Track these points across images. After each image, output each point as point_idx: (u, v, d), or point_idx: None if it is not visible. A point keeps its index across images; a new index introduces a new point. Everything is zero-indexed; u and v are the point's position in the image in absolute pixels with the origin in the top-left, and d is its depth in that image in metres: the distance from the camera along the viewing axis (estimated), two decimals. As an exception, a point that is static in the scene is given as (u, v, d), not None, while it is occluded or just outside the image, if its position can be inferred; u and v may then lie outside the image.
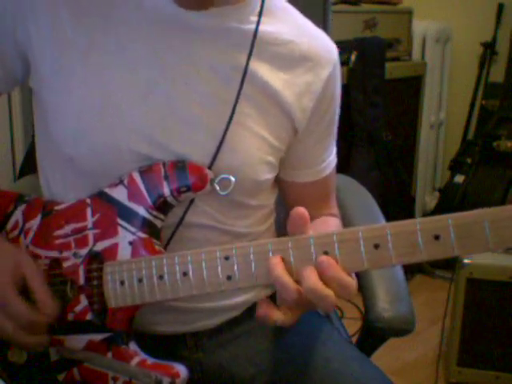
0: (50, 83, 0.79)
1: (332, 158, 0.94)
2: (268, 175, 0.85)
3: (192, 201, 0.80)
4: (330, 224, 0.91)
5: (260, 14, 0.81)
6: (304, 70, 0.84)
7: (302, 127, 0.85)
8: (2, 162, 1.92)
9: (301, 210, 0.66)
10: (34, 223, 0.82)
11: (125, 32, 0.78)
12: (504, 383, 1.84)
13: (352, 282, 0.65)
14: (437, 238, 0.63)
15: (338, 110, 0.91)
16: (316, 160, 0.91)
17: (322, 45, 0.87)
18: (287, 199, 0.95)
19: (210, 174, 0.77)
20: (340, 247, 0.66)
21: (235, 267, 0.70)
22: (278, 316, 0.68)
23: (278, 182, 0.93)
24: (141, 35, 0.78)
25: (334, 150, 0.95)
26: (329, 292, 0.64)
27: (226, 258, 0.70)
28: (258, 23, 0.81)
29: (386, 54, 2.45)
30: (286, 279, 0.65)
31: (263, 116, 0.82)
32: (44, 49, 0.78)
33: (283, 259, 0.67)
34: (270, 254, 0.68)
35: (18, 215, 0.83)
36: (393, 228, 0.64)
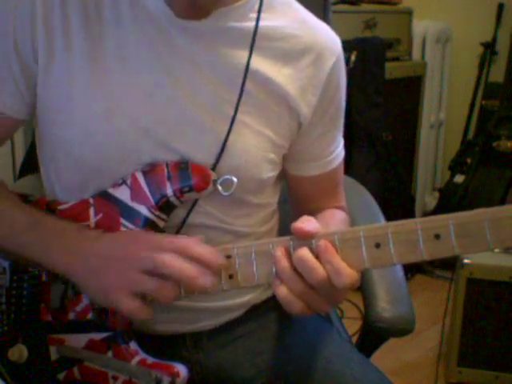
0: (55, 87, 0.79)
1: (339, 150, 0.93)
2: (271, 173, 0.85)
3: (195, 202, 0.80)
4: (337, 218, 0.91)
5: (259, 11, 0.81)
6: (307, 63, 0.84)
7: (307, 120, 0.85)
8: (2, 162, 1.92)
9: (298, 226, 0.67)
10: None
11: (129, 35, 0.78)
12: (504, 383, 1.84)
13: (347, 269, 0.65)
14: (437, 237, 0.63)
15: (343, 103, 0.90)
16: (323, 152, 0.90)
17: (324, 36, 0.86)
18: (295, 194, 0.95)
19: (212, 174, 0.78)
20: (341, 246, 0.66)
21: (237, 266, 0.70)
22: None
23: (285, 178, 0.93)
24: (144, 38, 0.78)
25: (342, 142, 0.94)
26: (317, 265, 0.65)
27: (228, 257, 0.70)
28: (258, 20, 0.81)
29: (386, 54, 2.45)
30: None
31: (265, 113, 0.82)
32: (54, 53, 0.78)
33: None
34: (272, 253, 0.68)
35: None
36: (394, 227, 0.65)
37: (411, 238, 0.64)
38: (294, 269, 0.66)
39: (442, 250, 0.63)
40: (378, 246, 0.65)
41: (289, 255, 0.67)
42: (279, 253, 0.67)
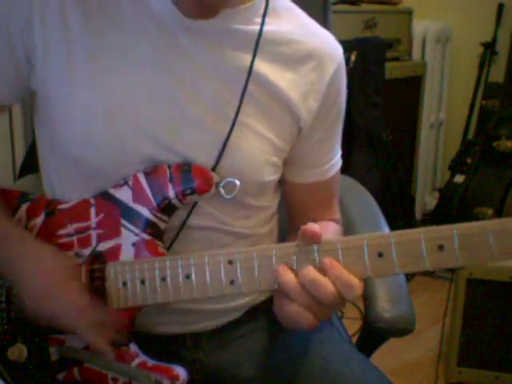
0: (55, 86, 0.79)
1: (337, 160, 0.93)
2: (272, 176, 0.85)
3: (195, 203, 0.80)
4: (330, 230, 0.91)
5: (264, 15, 0.81)
6: (309, 69, 0.84)
7: (307, 126, 0.85)
8: (2, 162, 1.92)
9: (310, 229, 0.66)
10: (38, 222, 0.82)
11: (131, 33, 0.78)
12: (504, 383, 1.84)
13: (356, 281, 0.64)
14: (441, 248, 0.62)
15: (342, 110, 0.90)
16: (321, 159, 0.90)
17: (326, 43, 0.87)
18: (290, 203, 0.95)
19: (215, 177, 0.77)
20: (344, 255, 0.65)
21: (238, 272, 0.69)
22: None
23: (281, 183, 0.92)
24: (147, 37, 0.78)
25: (339, 152, 0.94)
26: (327, 281, 0.64)
27: (230, 262, 0.70)
28: (262, 24, 0.81)
29: (386, 54, 2.45)
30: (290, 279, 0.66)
31: (268, 116, 0.82)
32: (50, 52, 0.78)
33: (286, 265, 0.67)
34: (274, 259, 0.68)
35: (21, 213, 0.83)
36: (397, 237, 0.64)
37: (414, 249, 0.63)
38: (300, 283, 0.66)
39: (446, 261, 0.63)
40: (380, 255, 0.64)
41: (291, 268, 0.67)
42: (281, 268, 0.67)
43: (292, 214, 0.95)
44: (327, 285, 0.64)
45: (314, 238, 0.66)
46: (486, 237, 0.61)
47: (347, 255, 0.65)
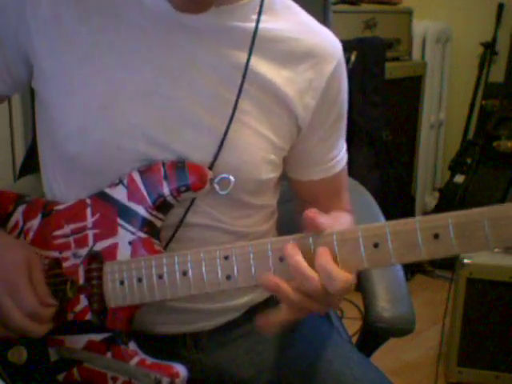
0: (52, 84, 0.79)
1: (342, 156, 0.93)
2: (270, 174, 0.85)
3: (193, 201, 0.80)
4: (343, 220, 0.90)
5: (260, 12, 0.81)
6: (306, 66, 0.83)
7: (306, 125, 0.85)
8: (2, 162, 1.92)
9: (311, 214, 0.67)
10: (34, 223, 0.82)
11: (127, 32, 0.78)
12: (504, 383, 1.84)
13: (341, 275, 0.64)
14: (436, 236, 0.63)
15: (345, 108, 0.90)
16: (324, 157, 0.90)
17: (325, 41, 0.86)
18: (299, 196, 0.95)
19: (209, 173, 0.77)
20: (340, 246, 0.66)
21: (234, 267, 0.70)
22: (276, 316, 0.67)
23: (289, 180, 0.92)
24: (143, 35, 0.78)
25: (345, 146, 0.93)
26: (313, 273, 0.64)
27: (226, 258, 0.70)
28: (258, 21, 0.81)
29: (386, 54, 2.45)
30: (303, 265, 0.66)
31: (266, 114, 0.82)
32: (46, 50, 0.78)
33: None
34: (270, 253, 0.68)
35: (18, 215, 0.83)
36: (392, 227, 0.64)
37: (410, 238, 0.64)
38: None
39: (441, 249, 0.63)
40: (376, 245, 0.65)
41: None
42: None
43: (302, 208, 0.95)
44: (311, 273, 0.64)
45: (316, 227, 0.67)
46: (482, 224, 0.61)
47: (343, 247, 0.66)
